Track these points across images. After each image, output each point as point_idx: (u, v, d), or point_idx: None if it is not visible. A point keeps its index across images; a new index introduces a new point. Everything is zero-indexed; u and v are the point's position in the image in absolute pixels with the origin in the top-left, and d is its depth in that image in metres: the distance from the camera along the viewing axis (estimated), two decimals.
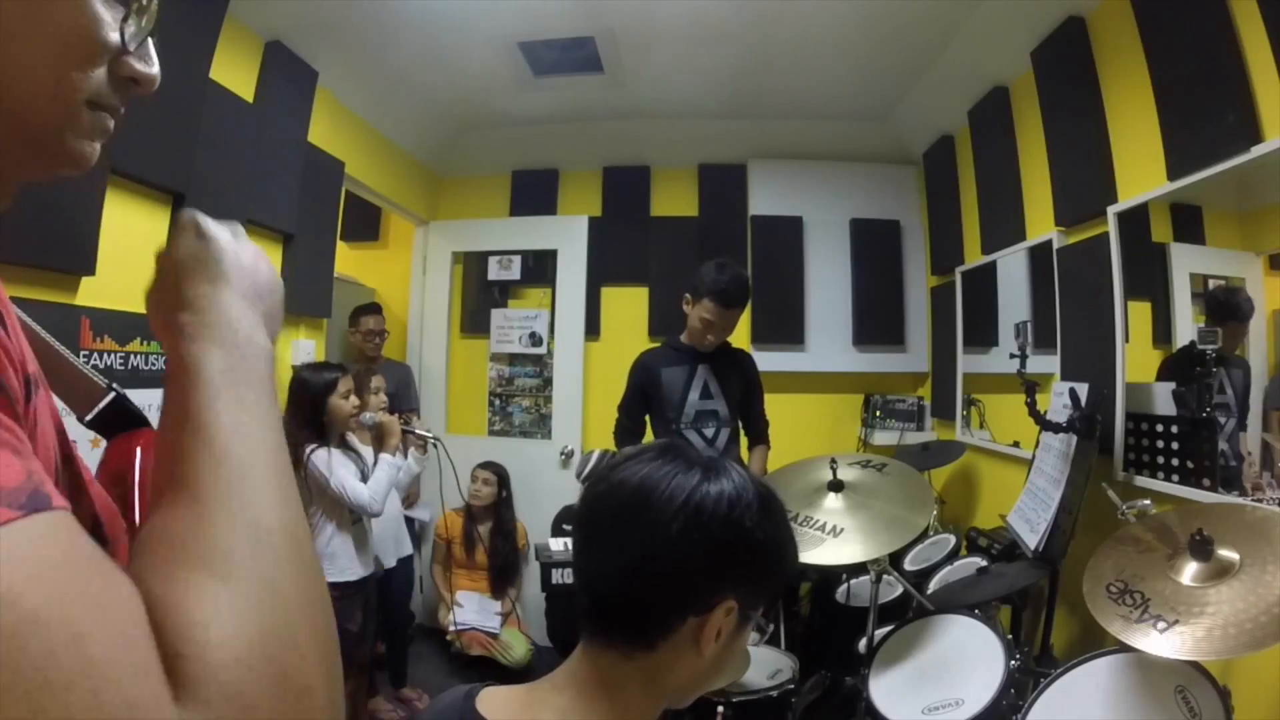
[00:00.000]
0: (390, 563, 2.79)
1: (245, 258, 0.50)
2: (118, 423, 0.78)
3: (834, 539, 1.73)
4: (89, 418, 0.79)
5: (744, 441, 2.51)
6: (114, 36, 0.45)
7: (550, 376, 3.68)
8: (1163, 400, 1.85)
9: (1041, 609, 2.02)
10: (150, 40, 0.49)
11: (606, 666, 0.68)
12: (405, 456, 2.56)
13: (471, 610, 3.15)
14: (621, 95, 3.30)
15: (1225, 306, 1.80)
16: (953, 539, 2.51)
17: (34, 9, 0.40)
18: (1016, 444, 2.61)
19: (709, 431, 2.36)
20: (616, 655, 0.67)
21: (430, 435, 2.56)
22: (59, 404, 0.50)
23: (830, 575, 2.40)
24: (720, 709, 1.66)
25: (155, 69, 0.49)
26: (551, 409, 3.65)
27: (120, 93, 0.47)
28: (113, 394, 0.80)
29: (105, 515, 0.52)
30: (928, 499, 1.94)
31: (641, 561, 0.67)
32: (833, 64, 2.95)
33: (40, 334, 0.60)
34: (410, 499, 3.30)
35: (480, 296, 3.89)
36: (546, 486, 3.42)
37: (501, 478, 3.34)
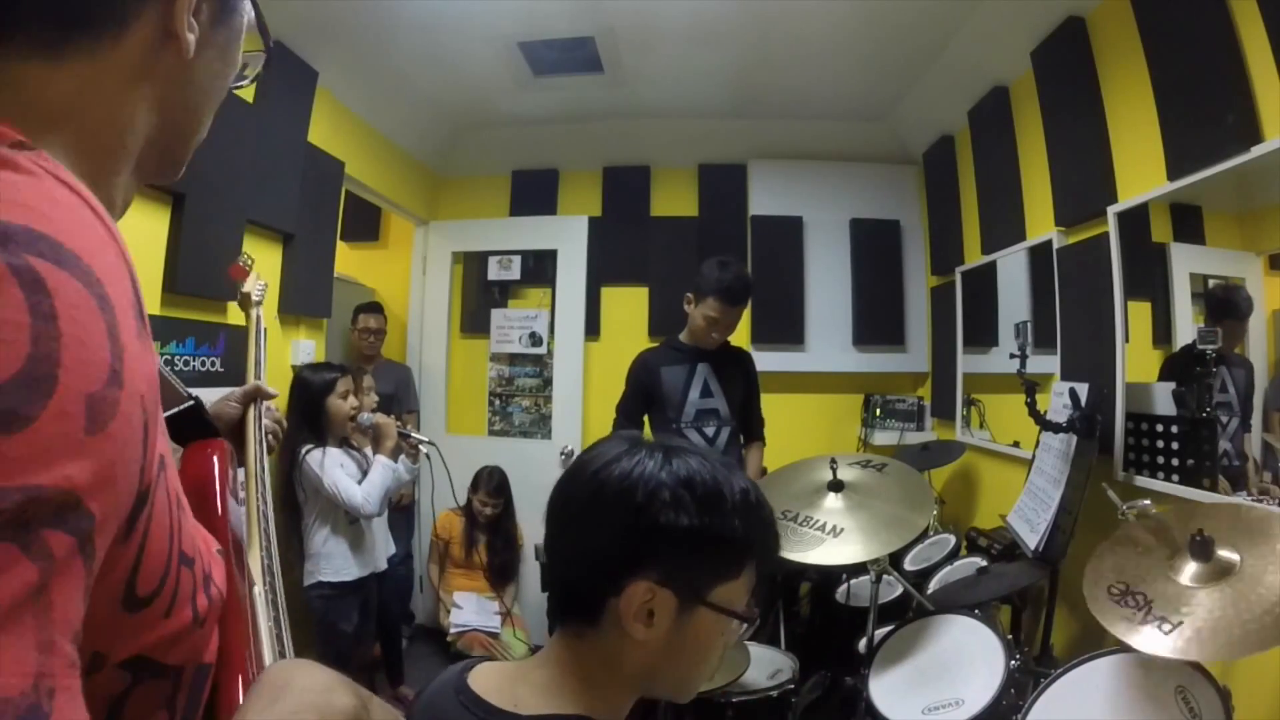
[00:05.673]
0: (381, 564, 2.79)
1: None
2: (189, 430, 0.79)
3: (834, 539, 1.73)
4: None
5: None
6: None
7: (550, 376, 3.68)
8: (1163, 400, 1.85)
9: (1041, 609, 2.02)
10: None
11: (569, 644, 0.70)
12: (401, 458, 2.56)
13: (470, 611, 3.15)
14: (621, 95, 3.30)
15: (1224, 304, 1.80)
16: (953, 539, 2.51)
17: (221, 78, 0.54)
18: (1016, 444, 2.61)
19: (709, 430, 2.36)
20: (571, 634, 0.70)
21: (425, 440, 2.56)
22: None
23: (830, 575, 2.40)
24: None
25: None
26: (551, 409, 3.65)
27: None
28: (191, 402, 0.82)
29: (215, 569, 0.56)
30: (928, 499, 1.93)
31: (558, 542, 0.74)
32: (833, 64, 2.95)
33: None
34: (402, 499, 3.30)
35: (480, 296, 3.89)
36: (546, 487, 3.30)
37: (504, 493, 3.30)
